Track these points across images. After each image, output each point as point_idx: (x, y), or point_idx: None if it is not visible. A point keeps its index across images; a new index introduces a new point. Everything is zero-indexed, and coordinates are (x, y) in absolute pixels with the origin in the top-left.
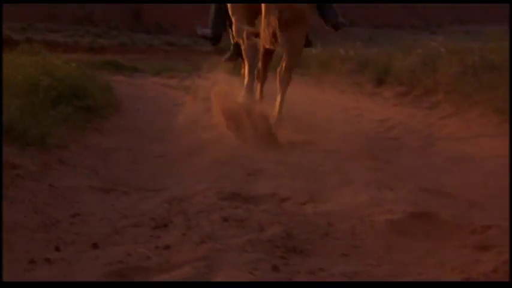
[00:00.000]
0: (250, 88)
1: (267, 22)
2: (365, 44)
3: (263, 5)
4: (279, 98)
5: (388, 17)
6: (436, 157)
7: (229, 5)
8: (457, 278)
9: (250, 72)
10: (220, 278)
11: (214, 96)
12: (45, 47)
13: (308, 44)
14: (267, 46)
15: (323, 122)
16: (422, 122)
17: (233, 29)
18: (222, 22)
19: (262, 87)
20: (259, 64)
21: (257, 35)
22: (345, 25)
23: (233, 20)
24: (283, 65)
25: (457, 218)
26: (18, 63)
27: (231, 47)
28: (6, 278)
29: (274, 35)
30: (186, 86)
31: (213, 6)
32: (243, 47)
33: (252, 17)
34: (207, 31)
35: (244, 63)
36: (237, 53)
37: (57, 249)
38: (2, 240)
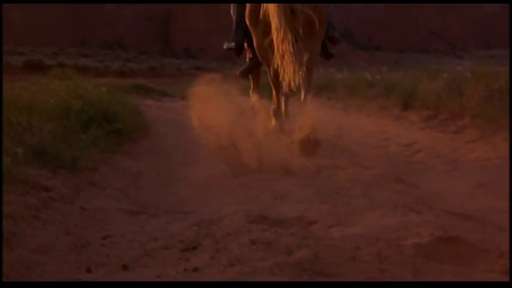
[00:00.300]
0: (279, 113)
1: (281, 34)
2: (391, 68)
3: (273, 10)
4: (304, 98)
5: (413, 41)
6: (463, 181)
7: (247, 21)
8: None
9: (278, 98)
10: None
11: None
12: (77, 71)
13: (329, 56)
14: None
15: (350, 146)
16: (448, 146)
17: (254, 44)
18: (243, 33)
19: (287, 106)
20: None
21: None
22: (340, 41)
23: (253, 36)
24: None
25: (485, 242)
26: (51, 87)
27: (247, 61)
28: None
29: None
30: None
31: (234, 19)
32: (269, 74)
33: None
34: (231, 44)
35: (253, 81)
36: (250, 70)
37: (88, 270)
38: (2, 241)
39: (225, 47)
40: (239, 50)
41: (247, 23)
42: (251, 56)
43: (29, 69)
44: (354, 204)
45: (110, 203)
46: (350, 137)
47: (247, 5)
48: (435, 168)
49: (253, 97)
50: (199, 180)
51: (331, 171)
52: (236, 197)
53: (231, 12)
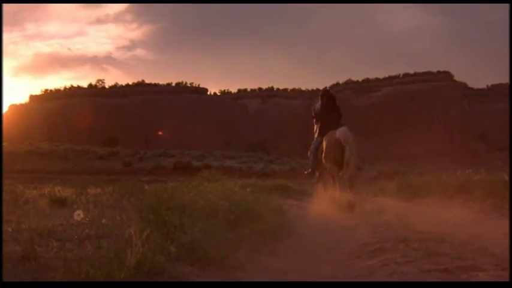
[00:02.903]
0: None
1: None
2: None
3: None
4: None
5: None
6: None
7: (324, 159)
8: None
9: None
10: None
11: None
12: (223, 172)
13: (359, 169)
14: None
15: (488, 247)
16: None
17: (327, 167)
18: (316, 165)
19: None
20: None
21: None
22: (361, 169)
23: (327, 164)
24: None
25: None
26: (201, 189)
27: (312, 164)
28: None
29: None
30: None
31: (311, 158)
32: (332, 179)
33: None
34: (308, 170)
35: (321, 181)
36: (316, 171)
37: None
38: (2, 242)
39: (305, 172)
40: (312, 175)
41: (324, 160)
42: (319, 173)
43: (178, 170)
44: None
45: None
46: (489, 238)
47: (324, 151)
48: None
49: (321, 187)
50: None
51: (471, 272)
52: None
53: (308, 153)
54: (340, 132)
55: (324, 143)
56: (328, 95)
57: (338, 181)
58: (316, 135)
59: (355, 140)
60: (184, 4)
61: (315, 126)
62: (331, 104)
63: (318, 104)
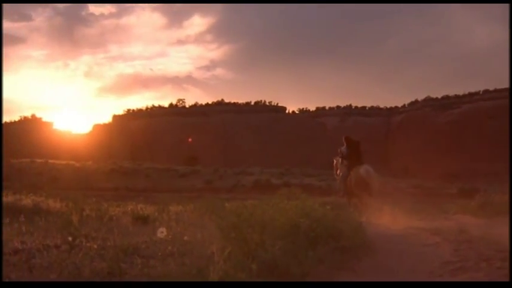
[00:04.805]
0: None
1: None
2: None
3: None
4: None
5: None
6: None
7: (354, 187)
8: None
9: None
10: None
11: None
12: (302, 190)
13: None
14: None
15: None
16: None
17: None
18: (343, 187)
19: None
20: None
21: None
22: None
23: (355, 189)
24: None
25: None
26: (281, 206)
27: (343, 189)
28: None
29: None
30: (434, 227)
31: (338, 180)
32: (359, 199)
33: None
34: (339, 193)
35: (349, 199)
36: (345, 195)
37: None
38: (2, 242)
39: (339, 195)
40: (341, 195)
41: (354, 187)
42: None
43: (258, 188)
44: None
45: None
46: None
47: (354, 183)
48: None
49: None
50: None
51: None
52: None
53: (334, 164)
54: (363, 170)
55: (353, 176)
56: (348, 141)
57: (363, 202)
58: (345, 168)
59: (374, 174)
60: (263, 24)
61: (340, 160)
62: (354, 147)
63: (343, 148)
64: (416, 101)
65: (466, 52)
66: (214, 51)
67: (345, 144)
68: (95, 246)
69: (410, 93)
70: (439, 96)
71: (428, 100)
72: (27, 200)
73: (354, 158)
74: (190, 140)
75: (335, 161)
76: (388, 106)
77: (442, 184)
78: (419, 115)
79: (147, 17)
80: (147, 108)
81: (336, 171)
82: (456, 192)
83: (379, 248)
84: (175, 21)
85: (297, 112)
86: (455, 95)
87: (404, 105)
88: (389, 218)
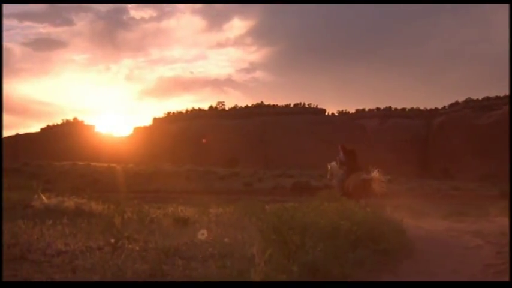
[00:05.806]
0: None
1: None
2: None
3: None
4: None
5: None
6: None
7: (353, 191)
8: None
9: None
10: None
11: None
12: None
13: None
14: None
15: None
16: None
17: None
18: (342, 189)
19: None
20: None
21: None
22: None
23: (352, 191)
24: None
25: None
26: (322, 209)
27: (340, 190)
28: None
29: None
30: (476, 229)
31: (339, 177)
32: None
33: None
34: (339, 193)
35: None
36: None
37: None
38: (2, 242)
39: (339, 195)
40: (342, 195)
41: (352, 191)
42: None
43: (297, 190)
44: None
45: None
46: None
47: (354, 186)
48: None
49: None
50: None
51: None
52: None
53: (328, 167)
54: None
55: (351, 180)
56: (344, 149)
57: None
58: (341, 172)
59: (374, 177)
60: (302, 26)
61: (336, 165)
62: (350, 154)
63: (340, 155)
64: (456, 103)
65: (507, 52)
66: (254, 54)
67: (341, 152)
68: (137, 248)
69: (451, 94)
70: (480, 98)
71: (469, 101)
72: (70, 202)
73: (351, 164)
74: (204, 141)
75: (329, 166)
76: (428, 108)
77: (483, 186)
78: (460, 117)
79: (187, 20)
80: (187, 110)
81: (329, 176)
82: (497, 194)
83: (419, 251)
84: (215, 24)
85: (336, 114)
86: (496, 96)
87: (444, 106)
88: (431, 220)
